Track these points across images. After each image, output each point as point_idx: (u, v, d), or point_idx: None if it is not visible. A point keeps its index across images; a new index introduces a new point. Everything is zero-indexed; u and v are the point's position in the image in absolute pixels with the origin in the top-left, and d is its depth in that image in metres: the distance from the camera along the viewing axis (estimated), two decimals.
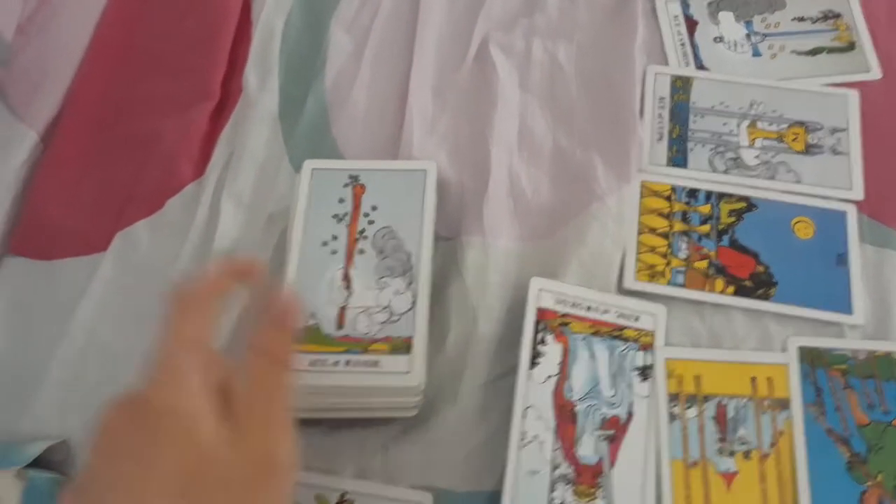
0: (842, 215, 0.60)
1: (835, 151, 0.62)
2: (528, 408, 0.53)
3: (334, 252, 0.56)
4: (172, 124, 0.65)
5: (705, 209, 0.60)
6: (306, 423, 0.53)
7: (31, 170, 0.65)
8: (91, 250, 0.61)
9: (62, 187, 0.64)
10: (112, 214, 0.62)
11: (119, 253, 0.61)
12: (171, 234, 0.61)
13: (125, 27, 0.71)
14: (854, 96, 0.64)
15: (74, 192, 0.64)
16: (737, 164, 0.62)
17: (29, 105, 0.67)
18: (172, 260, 0.60)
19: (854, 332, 0.57)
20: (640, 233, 0.59)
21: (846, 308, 0.57)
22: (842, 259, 0.59)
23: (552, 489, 0.51)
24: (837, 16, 0.68)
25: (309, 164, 0.60)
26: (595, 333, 0.55)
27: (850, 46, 0.67)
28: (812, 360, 0.55)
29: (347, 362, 0.52)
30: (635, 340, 0.56)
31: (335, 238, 0.57)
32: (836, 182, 0.61)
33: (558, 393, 0.54)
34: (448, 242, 0.60)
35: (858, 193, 0.61)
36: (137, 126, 0.66)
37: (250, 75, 0.67)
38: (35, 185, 0.64)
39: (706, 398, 0.54)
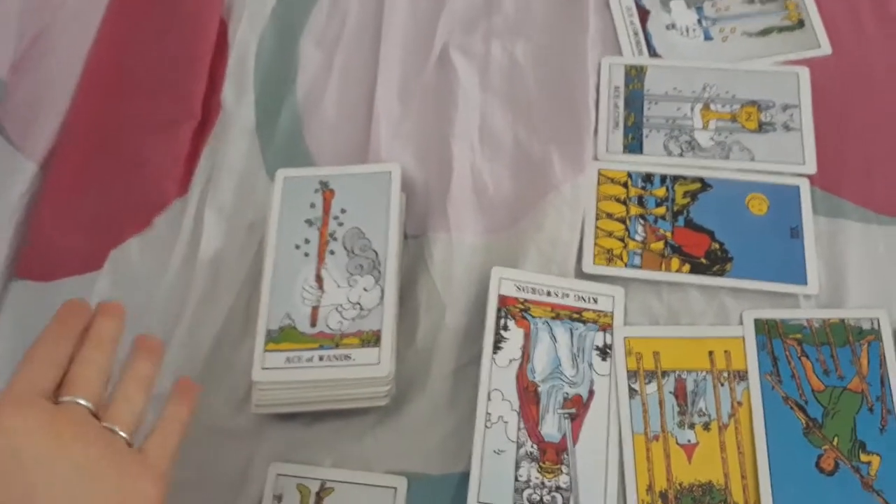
0: (795, 189, 0.62)
1: (787, 128, 0.64)
2: (492, 391, 0.56)
3: (307, 255, 0.59)
4: (158, 145, 0.69)
5: (660, 192, 0.62)
6: (286, 418, 0.58)
7: (32, 198, 0.68)
8: (88, 269, 0.65)
9: (60, 212, 0.68)
10: (106, 234, 0.66)
11: (113, 269, 0.64)
12: (159, 249, 0.65)
13: (114, 57, 0.75)
14: (805, 73, 0.66)
15: (72, 216, 0.68)
16: (691, 146, 0.64)
17: (27, 137, 0.70)
18: (162, 272, 0.63)
19: (809, 302, 0.58)
20: (597, 218, 0.62)
21: (801, 279, 0.59)
22: (795, 231, 0.60)
23: (517, 467, 0.54)
24: None
25: (281, 173, 0.63)
26: (555, 317, 0.58)
27: (800, 24, 0.68)
28: (768, 331, 0.57)
29: (321, 357, 0.55)
30: (594, 322, 0.58)
31: (307, 241, 0.60)
32: (789, 157, 0.63)
33: (521, 375, 0.56)
34: (416, 240, 0.63)
35: (811, 167, 0.63)
36: (127, 149, 0.70)
37: (228, 93, 0.71)
38: (35, 211, 0.68)
39: (665, 373, 0.57)
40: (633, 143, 0.64)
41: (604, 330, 0.58)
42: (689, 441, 0.55)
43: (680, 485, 0.54)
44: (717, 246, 0.60)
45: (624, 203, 0.62)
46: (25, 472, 0.40)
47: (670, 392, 0.56)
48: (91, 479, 0.41)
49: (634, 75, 0.67)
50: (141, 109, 0.72)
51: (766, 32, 0.68)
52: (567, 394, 0.56)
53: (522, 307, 0.58)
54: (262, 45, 0.73)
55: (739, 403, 0.55)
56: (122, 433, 0.44)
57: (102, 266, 0.64)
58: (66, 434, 0.42)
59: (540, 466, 0.54)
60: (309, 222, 0.61)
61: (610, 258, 0.60)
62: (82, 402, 0.44)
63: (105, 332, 0.48)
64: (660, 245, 0.61)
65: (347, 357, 0.55)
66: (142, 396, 0.46)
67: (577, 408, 0.55)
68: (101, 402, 0.45)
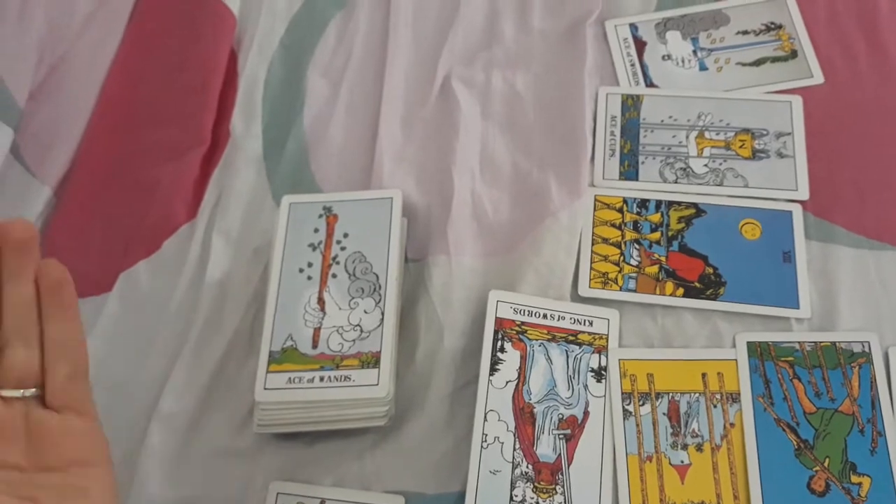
0: (788, 215, 0.63)
1: (780, 155, 0.65)
2: (489, 412, 0.57)
3: (310, 278, 0.61)
4: (169, 170, 0.71)
5: (655, 218, 0.64)
6: (287, 438, 0.59)
7: (46, 222, 0.71)
8: (99, 291, 0.67)
9: (73, 235, 0.70)
10: (117, 257, 0.68)
11: (123, 291, 0.66)
12: (168, 272, 0.66)
13: (128, 85, 0.78)
14: (798, 102, 0.67)
15: (84, 239, 0.70)
16: (686, 173, 0.65)
17: (43, 163, 0.73)
18: (169, 294, 0.65)
19: (801, 325, 0.59)
20: (593, 243, 0.63)
21: (793, 302, 0.60)
22: (788, 256, 0.61)
23: (513, 487, 0.55)
24: (779, 26, 0.71)
25: (287, 200, 0.65)
26: (551, 339, 0.59)
27: (793, 54, 0.70)
28: (760, 353, 0.58)
29: (322, 378, 0.57)
30: (590, 344, 0.59)
31: (311, 265, 0.61)
32: (782, 184, 0.64)
33: (517, 396, 0.57)
34: (417, 264, 0.64)
35: (804, 193, 0.64)
36: (138, 174, 0.72)
37: (237, 121, 0.73)
38: (49, 234, 0.70)
39: (659, 395, 0.57)
40: (630, 171, 0.66)
41: (599, 352, 0.59)
42: (682, 462, 0.56)
43: None
44: (710, 270, 0.61)
45: (619, 228, 0.64)
46: None
47: (664, 413, 0.57)
48: None
49: (631, 104, 0.69)
50: (153, 137, 0.74)
51: (759, 62, 0.70)
52: (562, 415, 0.57)
53: (519, 329, 0.59)
54: (271, 75, 0.75)
55: (732, 425, 0.56)
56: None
57: (112, 288, 0.66)
58: None
59: (535, 486, 0.55)
60: (312, 246, 0.62)
61: (605, 282, 0.61)
62: None
63: None
64: (654, 269, 0.62)
65: (347, 378, 0.57)
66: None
67: (572, 429, 0.56)
68: None
